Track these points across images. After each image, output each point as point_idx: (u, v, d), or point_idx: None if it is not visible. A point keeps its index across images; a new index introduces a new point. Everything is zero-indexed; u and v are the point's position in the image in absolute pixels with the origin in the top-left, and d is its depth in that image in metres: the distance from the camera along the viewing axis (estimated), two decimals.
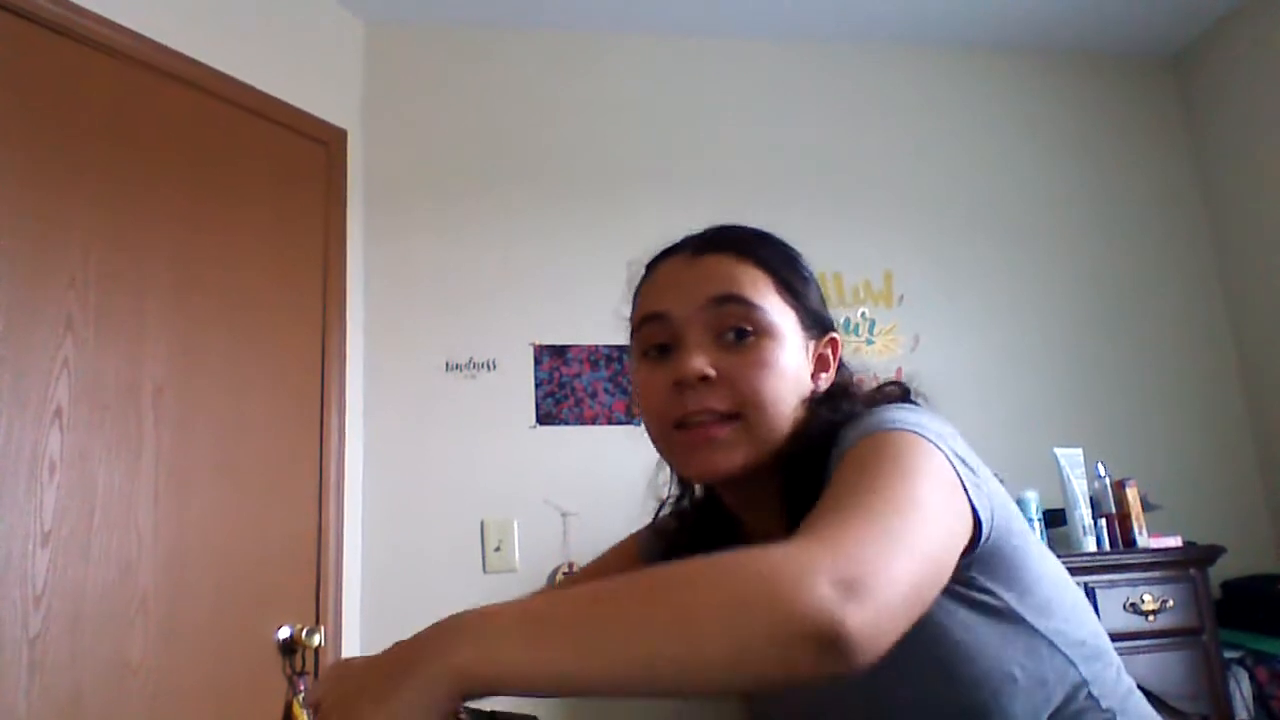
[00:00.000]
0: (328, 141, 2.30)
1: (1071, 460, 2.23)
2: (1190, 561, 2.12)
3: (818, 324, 0.85)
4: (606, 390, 2.38)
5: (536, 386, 2.36)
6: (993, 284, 2.67)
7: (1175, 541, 2.19)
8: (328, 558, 2.06)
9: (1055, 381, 2.62)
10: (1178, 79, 2.97)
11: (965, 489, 0.67)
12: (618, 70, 2.66)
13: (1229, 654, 2.16)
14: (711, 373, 0.77)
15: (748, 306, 0.79)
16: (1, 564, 1.52)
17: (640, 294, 0.86)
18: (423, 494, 2.25)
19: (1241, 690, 2.13)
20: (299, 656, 1.92)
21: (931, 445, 0.68)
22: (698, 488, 0.95)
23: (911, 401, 0.83)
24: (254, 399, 1.98)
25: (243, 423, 1.94)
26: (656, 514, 0.97)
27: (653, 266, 0.87)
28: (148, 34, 1.91)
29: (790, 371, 0.79)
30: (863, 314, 2.58)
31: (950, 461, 0.68)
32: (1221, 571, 2.31)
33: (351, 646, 2.10)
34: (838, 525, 0.56)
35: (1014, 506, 0.75)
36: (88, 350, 1.70)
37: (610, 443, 2.35)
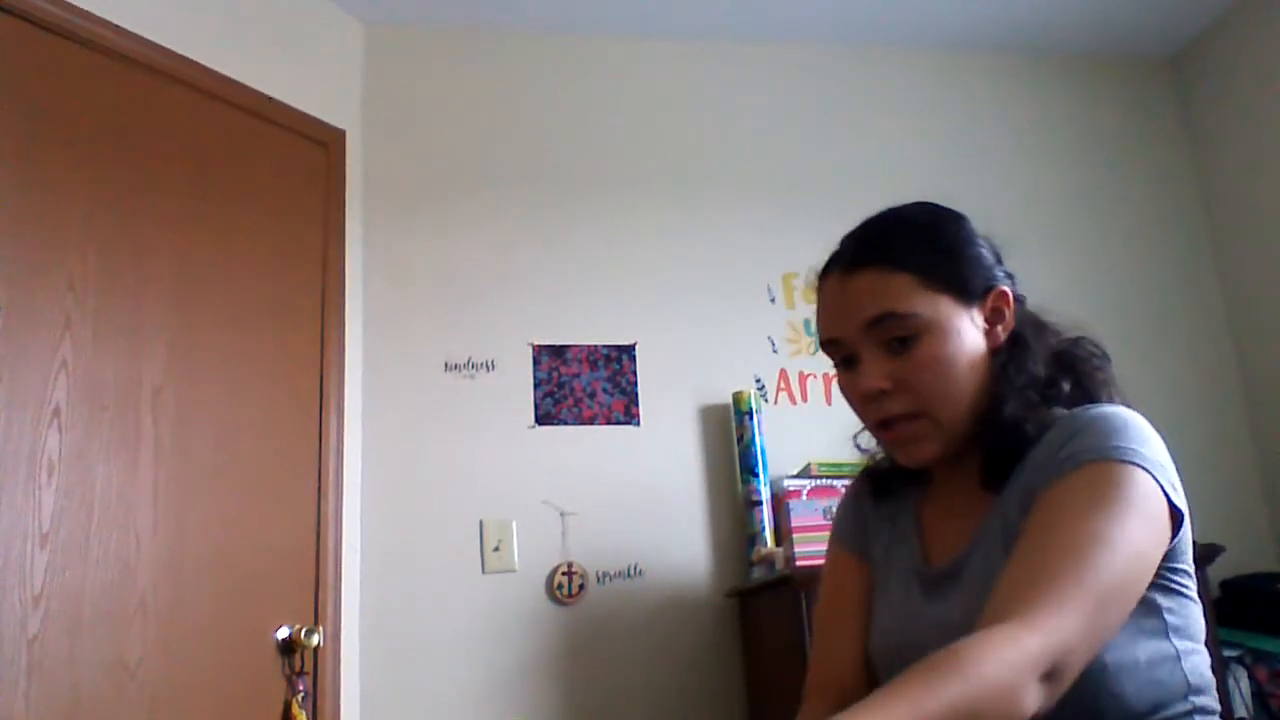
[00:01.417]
0: (327, 143, 2.30)
1: None
2: None
3: (974, 287, 0.91)
4: (605, 390, 2.38)
5: (535, 386, 2.35)
6: None
7: None
8: (326, 558, 2.05)
9: None
10: (1176, 78, 2.97)
11: (1171, 507, 0.78)
12: (616, 72, 2.66)
13: (1228, 653, 2.16)
14: (887, 385, 0.87)
15: (900, 318, 0.87)
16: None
17: (817, 312, 0.96)
18: (421, 494, 2.24)
19: (1240, 689, 2.13)
20: (297, 656, 1.92)
21: (1147, 475, 0.77)
22: None
23: (1104, 374, 0.92)
24: (253, 399, 1.98)
25: (241, 423, 1.95)
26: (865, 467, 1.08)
27: (821, 280, 0.95)
28: (147, 36, 1.91)
29: (958, 354, 0.87)
30: None
31: (1163, 489, 0.78)
32: (1220, 571, 2.31)
33: (350, 646, 2.10)
34: (1046, 605, 0.68)
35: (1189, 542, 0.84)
36: (86, 351, 1.70)
37: (609, 443, 2.34)
